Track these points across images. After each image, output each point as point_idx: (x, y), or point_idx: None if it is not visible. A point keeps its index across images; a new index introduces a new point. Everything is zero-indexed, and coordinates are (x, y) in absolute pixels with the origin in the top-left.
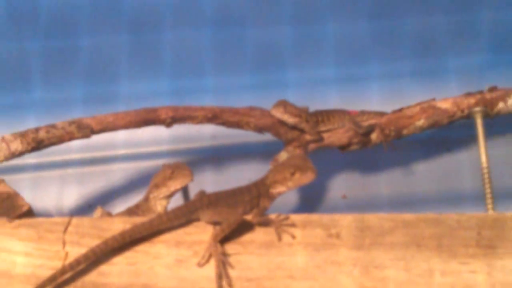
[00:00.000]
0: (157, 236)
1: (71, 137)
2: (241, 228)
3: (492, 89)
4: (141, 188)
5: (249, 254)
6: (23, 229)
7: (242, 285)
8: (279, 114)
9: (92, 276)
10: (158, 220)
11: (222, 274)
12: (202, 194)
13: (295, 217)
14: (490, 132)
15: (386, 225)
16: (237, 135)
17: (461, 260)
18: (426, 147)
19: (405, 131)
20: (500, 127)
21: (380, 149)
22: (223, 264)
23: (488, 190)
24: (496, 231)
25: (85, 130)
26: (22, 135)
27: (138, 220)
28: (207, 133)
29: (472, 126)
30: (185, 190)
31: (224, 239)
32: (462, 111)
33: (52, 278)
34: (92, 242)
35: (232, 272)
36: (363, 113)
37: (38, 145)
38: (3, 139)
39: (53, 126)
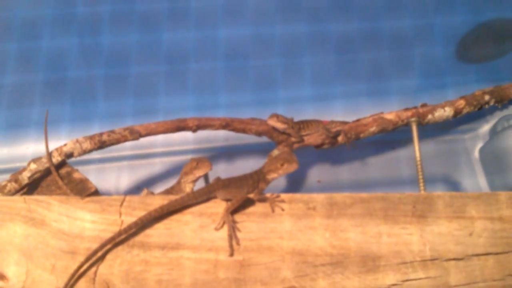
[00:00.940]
0: (186, 209)
1: (125, 139)
2: (246, 203)
3: (423, 105)
4: (174, 175)
5: (251, 222)
6: (91, 204)
7: (246, 244)
8: (272, 122)
9: (140, 237)
10: (187, 197)
11: (232, 235)
12: (218, 179)
13: (284, 196)
14: (422, 135)
15: (348, 201)
16: (243, 138)
17: (401, 226)
18: (377, 146)
19: (362, 135)
20: (429, 132)
21: (344, 147)
22: (233, 228)
23: (420, 177)
24: (426, 205)
25: (135, 134)
26: (91, 137)
27: (172, 197)
28: (221, 136)
29: (409, 131)
30: (206, 177)
31: (234, 211)
32: (402, 120)
33: (111, 239)
34: (140, 213)
35: (239, 234)
36: (332, 122)
37: (101, 145)
38: (77, 140)
39: (112, 131)
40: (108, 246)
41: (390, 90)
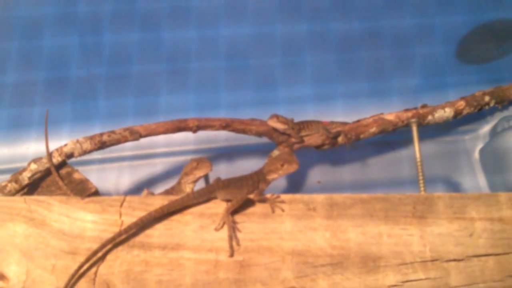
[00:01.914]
0: (186, 209)
1: (126, 140)
2: (246, 204)
3: (424, 106)
4: (175, 176)
5: (251, 222)
6: (91, 204)
7: (246, 244)
8: (272, 123)
9: (140, 237)
10: (187, 198)
11: (232, 236)
12: (218, 179)
13: (284, 196)
14: (422, 136)
15: (348, 202)
16: (243, 138)
17: (402, 226)
18: (377, 147)
19: (362, 136)
20: (430, 133)
21: (344, 148)
22: (233, 229)
23: (420, 177)
24: (426, 206)
25: (136, 135)
26: (91, 138)
27: (173, 198)
28: (221, 137)
29: (409, 132)
30: (206, 177)
31: (234, 212)
32: (403, 121)
33: (112, 239)
34: (140, 213)
35: (239, 235)
36: (332, 123)
37: (102, 145)
38: (78, 141)
39: (113, 132)
40: (109, 247)
41: (391, 90)
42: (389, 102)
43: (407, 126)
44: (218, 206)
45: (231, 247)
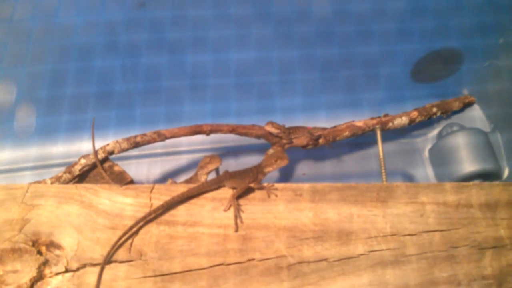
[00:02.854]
0: (202, 195)
1: (154, 140)
2: (248, 191)
3: (385, 115)
4: (193, 169)
5: (252, 205)
6: (128, 190)
7: (248, 222)
8: (268, 128)
9: (166, 216)
10: (202, 186)
11: (237, 215)
12: (226, 172)
13: (278, 185)
14: (385, 138)
15: (327, 189)
16: (246, 140)
17: (368, 208)
18: (350, 147)
19: (338, 138)
20: (390, 136)
21: (324, 148)
22: (238, 210)
23: (383, 171)
24: (387, 193)
25: (162, 137)
26: (128, 139)
27: (191, 186)
28: (229, 138)
29: (375, 135)
30: (217, 170)
31: (238, 197)
32: (369, 127)
33: (143, 218)
34: (166, 198)
35: (242, 215)
36: (314, 128)
37: (136, 145)
38: (117, 141)
39: (144, 134)
40: (141, 223)
41: (361, 102)
42: (359, 112)
43: (373, 130)
44: (226, 192)
45: (236, 224)
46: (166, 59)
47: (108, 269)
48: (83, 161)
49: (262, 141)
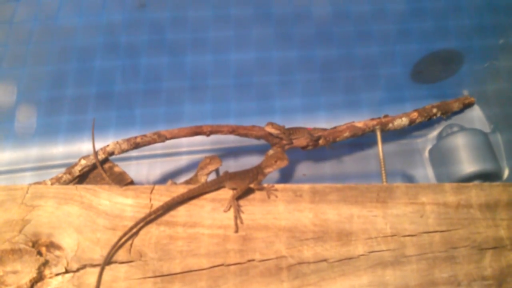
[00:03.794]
0: (202, 196)
1: (155, 141)
2: (248, 191)
3: (385, 116)
4: (193, 169)
5: (252, 206)
6: (128, 191)
7: (248, 223)
8: (268, 129)
9: (166, 217)
10: (202, 187)
11: (237, 216)
12: (226, 172)
13: (278, 186)
14: (385, 139)
15: (327, 190)
16: (246, 140)
17: (368, 209)
18: (350, 147)
19: (338, 139)
20: (390, 136)
21: (324, 148)
22: (238, 211)
23: (383, 171)
24: (387, 193)
25: (162, 137)
26: (128, 140)
27: (191, 187)
28: (229, 139)
29: (375, 136)
30: (217, 171)
31: (238, 197)
32: (369, 128)
33: (143, 218)
34: (166, 199)
35: (242, 215)
36: (314, 129)
37: (136, 146)
38: (117, 142)
39: (144, 135)
40: (141, 224)
41: (361, 103)
42: (359, 112)
43: (373, 131)
44: (226, 193)
45: (236, 224)
46: (166, 60)
47: (108, 270)
48: (83, 162)
49: (262, 142)
